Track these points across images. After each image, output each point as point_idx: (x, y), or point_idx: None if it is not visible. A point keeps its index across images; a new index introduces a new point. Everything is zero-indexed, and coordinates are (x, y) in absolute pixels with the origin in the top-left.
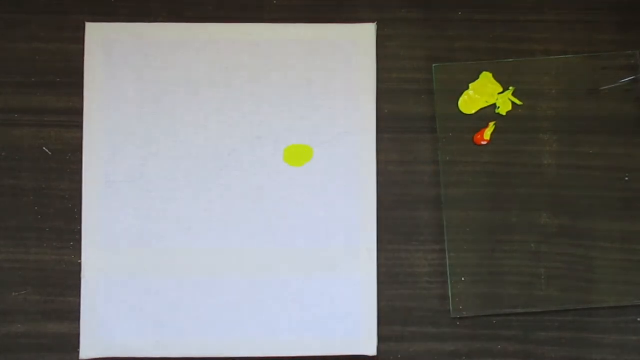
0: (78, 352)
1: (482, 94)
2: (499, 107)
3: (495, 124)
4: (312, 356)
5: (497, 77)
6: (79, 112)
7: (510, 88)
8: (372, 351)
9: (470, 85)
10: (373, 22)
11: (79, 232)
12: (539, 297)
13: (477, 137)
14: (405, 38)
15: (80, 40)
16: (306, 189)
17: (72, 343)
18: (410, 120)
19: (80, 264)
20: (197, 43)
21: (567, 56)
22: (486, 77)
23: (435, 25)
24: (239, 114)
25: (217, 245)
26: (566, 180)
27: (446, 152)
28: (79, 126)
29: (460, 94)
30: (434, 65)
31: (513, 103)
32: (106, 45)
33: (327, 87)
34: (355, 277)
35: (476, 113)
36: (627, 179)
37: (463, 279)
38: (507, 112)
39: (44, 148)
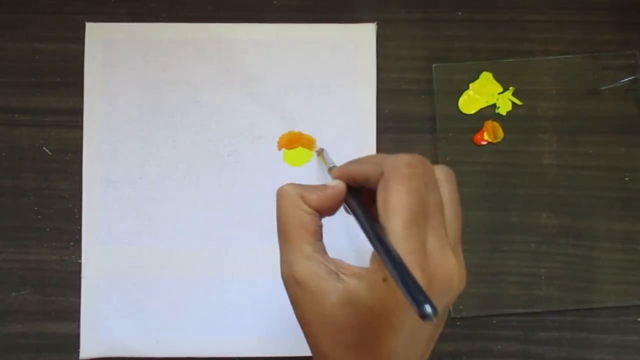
0: (78, 352)
1: (482, 94)
2: (499, 107)
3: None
4: (312, 356)
5: (497, 77)
6: (79, 112)
7: (510, 88)
8: None
9: (470, 85)
10: (373, 22)
11: (79, 232)
12: (539, 297)
13: (477, 137)
14: (405, 38)
15: (80, 40)
16: None
17: (72, 343)
18: (410, 120)
19: (80, 264)
20: (197, 43)
21: (567, 56)
22: (486, 77)
23: (435, 25)
24: (239, 114)
25: (217, 245)
26: (566, 180)
27: (446, 152)
28: (79, 126)
29: (460, 94)
30: (434, 65)
31: (513, 103)
32: (106, 45)
33: (327, 87)
34: None
35: (476, 113)
36: (627, 179)
37: None
38: (507, 112)
39: (44, 148)
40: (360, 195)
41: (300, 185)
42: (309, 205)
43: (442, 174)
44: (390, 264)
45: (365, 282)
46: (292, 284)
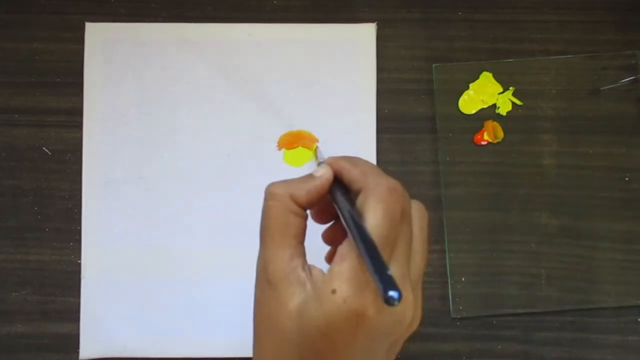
0: (78, 352)
1: (482, 94)
2: (499, 107)
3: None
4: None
5: (497, 77)
6: (79, 112)
7: (510, 88)
8: None
9: (470, 85)
10: (373, 22)
11: (79, 232)
12: (539, 297)
13: (477, 137)
14: (405, 38)
15: (80, 40)
16: None
17: (72, 343)
18: (410, 120)
19: (80, 264)
20: (197, 43)
21: (567, 56)
22: (486, 77)
23: (435, 25)
24: (239, 114)
25: (217, 245)
26: (566, 180)
27: (446, 152)
28: (79, 126)
29: (460, 94)
30: (434, 65)
31: (513, 103)
32: (106, 45)
33: (327, 87)
34: None
35: (476, 113)
36: (627, 179)
37: (463, 279)
38: (507, 112)
39: (44, 148)
40: (342, 185)
41: (288, 183)
42: (298, 204)
43: (416, 210)
44: (362, 244)
45: (314, 294)
46: (263, 283)
